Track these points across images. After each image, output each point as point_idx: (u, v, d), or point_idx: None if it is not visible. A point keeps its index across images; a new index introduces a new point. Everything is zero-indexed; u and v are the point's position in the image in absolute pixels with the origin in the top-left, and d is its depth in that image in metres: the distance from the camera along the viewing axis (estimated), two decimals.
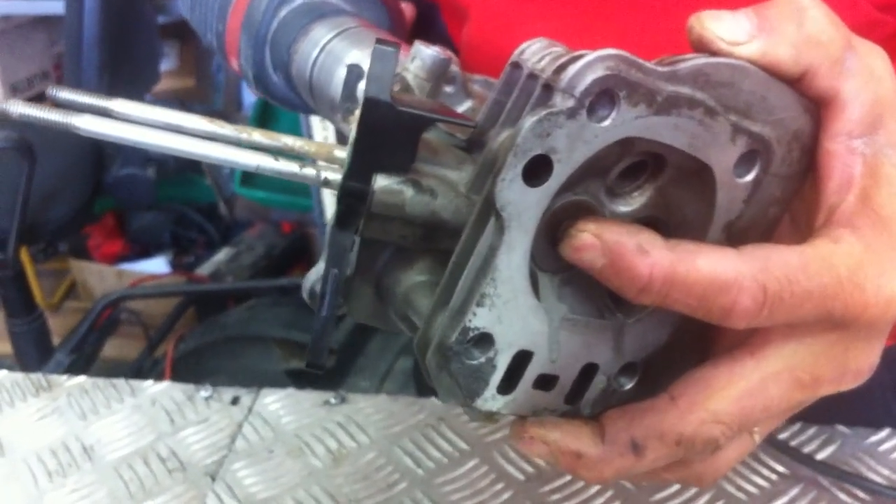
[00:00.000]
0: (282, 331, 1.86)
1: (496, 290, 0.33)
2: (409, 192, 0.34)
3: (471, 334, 0.34)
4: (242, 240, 2.52)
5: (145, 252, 2.60)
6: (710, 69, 0.33)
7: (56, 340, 2.04)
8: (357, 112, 0.35)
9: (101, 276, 2.50)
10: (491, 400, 0.36)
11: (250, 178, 2.47)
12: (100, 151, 1.97)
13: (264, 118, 2.40)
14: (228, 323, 1.91)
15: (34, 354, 1.94)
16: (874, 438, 0.66)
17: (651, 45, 0.58)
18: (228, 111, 2.64)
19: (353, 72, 0.38)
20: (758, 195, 0.37)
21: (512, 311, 0.34)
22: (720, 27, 0.35)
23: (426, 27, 0.72)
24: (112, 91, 1.86)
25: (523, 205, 0.32)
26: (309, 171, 0.33)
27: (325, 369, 0.33)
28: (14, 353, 1.97)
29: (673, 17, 0.57)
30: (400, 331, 0.39)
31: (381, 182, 0.34)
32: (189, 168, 2.56)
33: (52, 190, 1.86)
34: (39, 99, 2.69)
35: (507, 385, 0.36)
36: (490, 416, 0.37)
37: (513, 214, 0.32)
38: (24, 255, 2.23)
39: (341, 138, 2.08)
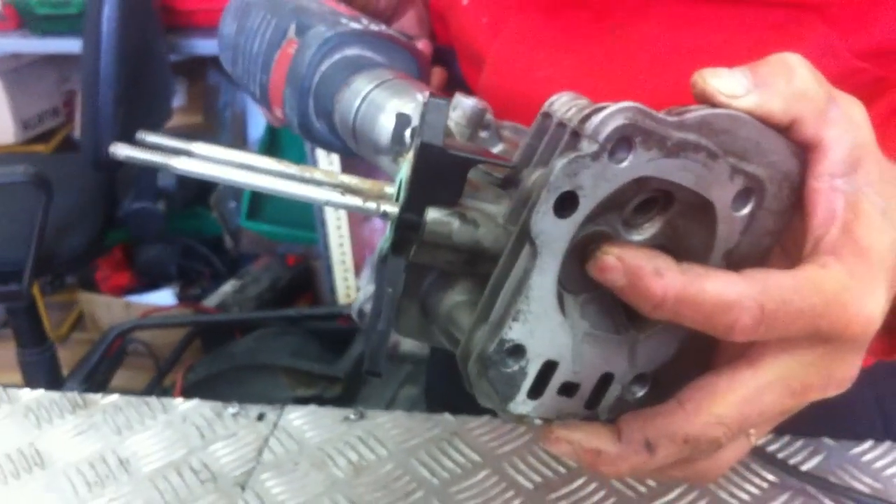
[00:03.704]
0: (289, 360, 1.90)
1: (529, 307, 0.38)
2: (455, 223, 0.39)
3: (507, 345, 0.39)
4: (248, 272, 2.55)
5: (152, 284, 2.63)
6: (711, 119, 0.38)
7: (63, 372, 2.07)
8: (407, 154, 0.41)
9: (108, 308, 2.53)
10: (522, 404, 0.40)
11: (256, 211, 2.51)
12: (112, 185, 2.02)
13: (270, 155, 2.45)
14: (236, 352, 1.95)
15: (44, 384, 1.96)
16: (857, 450, 0.70)
17: (652, 88, 0.62)
18: (234, 146, 2.68)
19: (402, 119, 0.44)
20: (753, 227, 0.41)
21: (542, 326, 0.39)
22: (720, 83, 0.39)
23: (444, 67, 0.78)
24: (126, 126, 1.90)
25: (554, 234, 0.37)
26: (370, 205, 0.38)
27: (381, 376, 0.39)
28: (24, 383, 2.00)
29: (671, 66, 0.62)
30: (441, 345, 0.44)
31: (432, 214, 0.39)
32: (196, 202, 2.61)
33: (68, 223, 1.90)
34: (49, 135, 2.75)
35: (535, 391, 0.40)
36: (520, 419, 0.41)
37: (545, 242, 0.37)
38: (35, 287, 2.27)
39: (346, 167, 2.14)
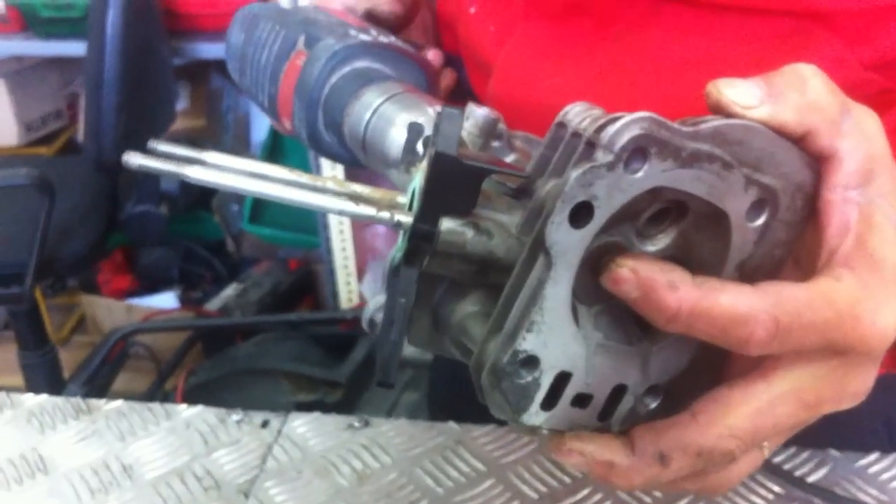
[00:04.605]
0: (290, 364, 1.90)
1: (543, 317, 0.38)
2: (469, 233, 0.39)
3: (520, 356, 0.38)
4: (249, 276, 2.56)
5: (153, 288, 2.63)
6: (726, 129, 0.38)
7: (65, 374, 2.07)
8: (420, 164, 0.40)
9: (109, 311, 2.54)
10: (535, 415, 0.40)
11: (258, 215, 2.52)
12: (115, 188, 2.03)
13: (273, 158, 2.46)
14: (238, 357, 1.96)
15: (46, 387, 1.97)
16: (864, 462, 0.70)
17: (658, 98, 0.62)
18: (238, 150, 2.70)
19: (414, 130, 0.44)
20: (766, 238, 0.41)
21: (556, 337, 0.39)
22: (735, 93, 0.39)
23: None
24: (129, 129, 1.91)
25: (568, 244, 0.37)
26: (384, 215, 0.38)
27: (393, 387, 0.38)
28: (26, 386, 2.01)
29: (677, 75, 0.61)
30: (452, 355, 0.44)
31: (446, 224, 0.39)
32: (198, 205, 2.61)
33: (70, 226, 1.90)
34: (52, 138, 2.75)
35: (548, 402, 0.40)
36: (533, 430, 0.41)
37: (559, 252, 0.37)
38: (36, 290, 2.27)
39: (349, 176, 2.17)
